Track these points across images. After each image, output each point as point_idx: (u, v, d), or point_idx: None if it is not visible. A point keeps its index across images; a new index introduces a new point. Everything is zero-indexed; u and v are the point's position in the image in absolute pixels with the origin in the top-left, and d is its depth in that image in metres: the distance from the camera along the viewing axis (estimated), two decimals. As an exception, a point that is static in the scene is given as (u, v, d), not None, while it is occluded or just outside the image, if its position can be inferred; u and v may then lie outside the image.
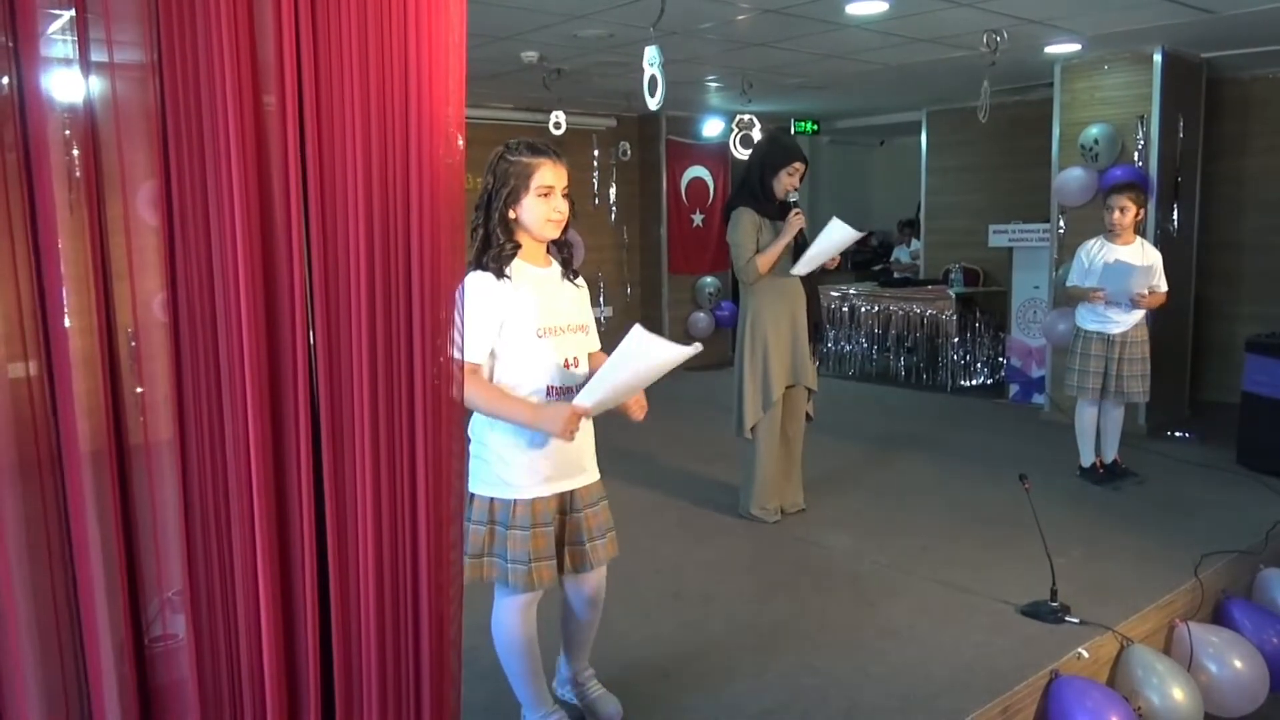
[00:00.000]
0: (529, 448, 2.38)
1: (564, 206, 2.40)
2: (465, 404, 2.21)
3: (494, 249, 2.34)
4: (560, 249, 2.51)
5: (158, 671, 1.62)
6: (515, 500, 2.38)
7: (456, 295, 2.20)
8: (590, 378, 2.35)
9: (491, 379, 2.39)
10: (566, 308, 2.48)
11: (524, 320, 2.36)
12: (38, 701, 1.46)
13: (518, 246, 2.38)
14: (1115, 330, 4.86)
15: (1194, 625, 3.52)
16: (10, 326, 1.43)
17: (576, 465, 2.48)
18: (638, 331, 2.24)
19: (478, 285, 2.32)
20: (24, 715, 1.44)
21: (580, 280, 2.57)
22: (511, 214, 2.36)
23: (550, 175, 2.36)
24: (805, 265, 4.23)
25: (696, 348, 2.30)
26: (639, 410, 2.46)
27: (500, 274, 2.34)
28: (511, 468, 2.38)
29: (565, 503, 2.48)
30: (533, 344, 2.37)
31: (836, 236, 4.13)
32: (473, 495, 2.41)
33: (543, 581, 2.40)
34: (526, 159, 2.35)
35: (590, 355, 2.51)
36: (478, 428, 2.42)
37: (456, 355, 2.21)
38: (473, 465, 2.40)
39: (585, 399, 2.31)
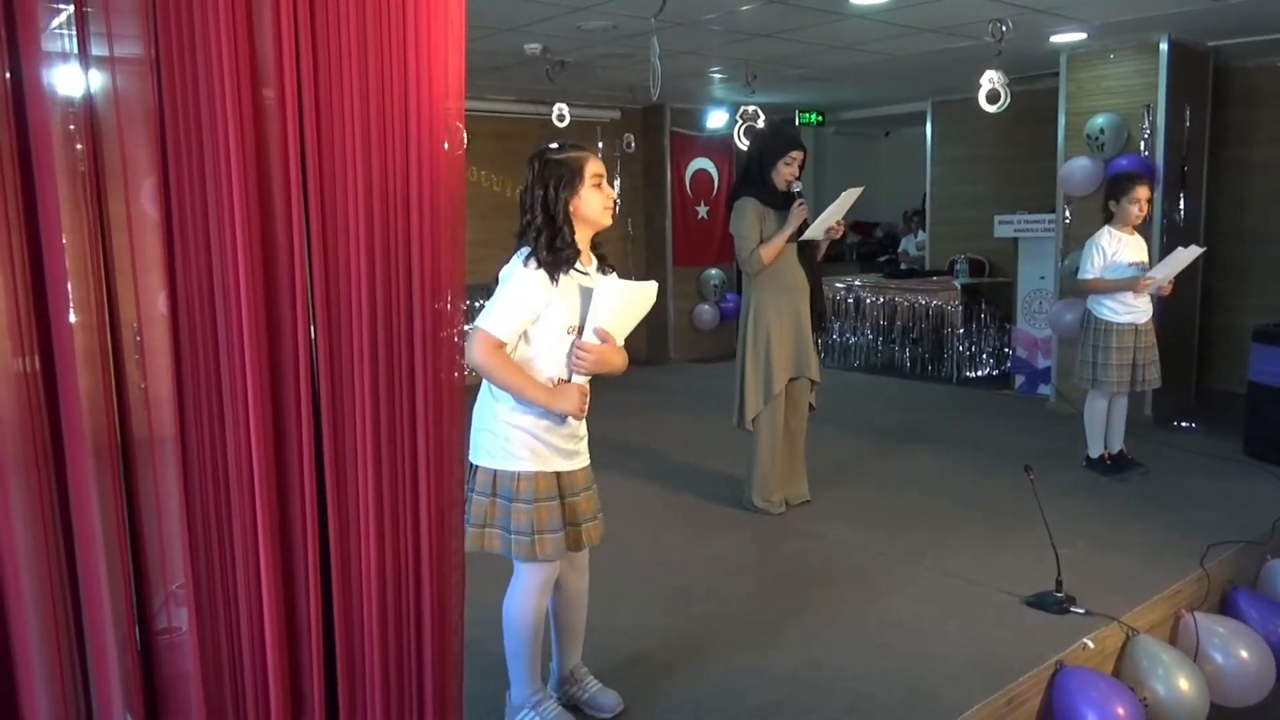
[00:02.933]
0: (533, 425, 2.45)
1: (614, 193, 2.54)
2: (484, 371, 2.36)
3: (561, 249, 2.41)
4: (596, 248, 2.60)
5: (162, 664, 1.63)
6: (518, 473, 2.45)
7: (501, 276, 2.34)
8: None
9: (513, 354, 2.46)
10: None
11: (558, 318, 2.44)
12: (43, 693, 1.47)
13: (578, 252, 2.46)
14: (1143, 320, 4.85)
15: (1200, 615, 3.52)
16: (12, 322, 1.43)
17: (572, 449, 2.54)
18: (604, 283, 2.39)
19: (530, 281, 2.39)
20: (30, 707, 1.44)
21: (613, 274, 2.62)
22: (571, 208, 2.44)
23: (597, 165, 2.48)
24: (817, 229, 4.27)
25: (652, 284, 2.45)
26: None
27: (554, 279, 2.40)
28: (514, 442, 2.45)
29: (563, 485, 2.53)
30: (560, 338, 2.46)
31: (845, 199, 4.22)
32: (475, 466, 2.48)
33: (545, 552, 2.46)
34: (573, 154, 2.46)
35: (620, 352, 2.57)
36: (484, 400, 2.50)
37: (483, 327, 2.32)
38: (477, 437, 2.48)
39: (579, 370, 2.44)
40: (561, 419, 2.47)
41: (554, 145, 2.49)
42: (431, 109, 1.63)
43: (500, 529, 2.46)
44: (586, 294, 2.42)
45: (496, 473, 2.46)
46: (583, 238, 2.50)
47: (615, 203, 2.59)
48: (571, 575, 2.69)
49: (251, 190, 1.52)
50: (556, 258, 2.40)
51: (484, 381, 2.47)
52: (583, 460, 2.59)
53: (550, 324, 2.43)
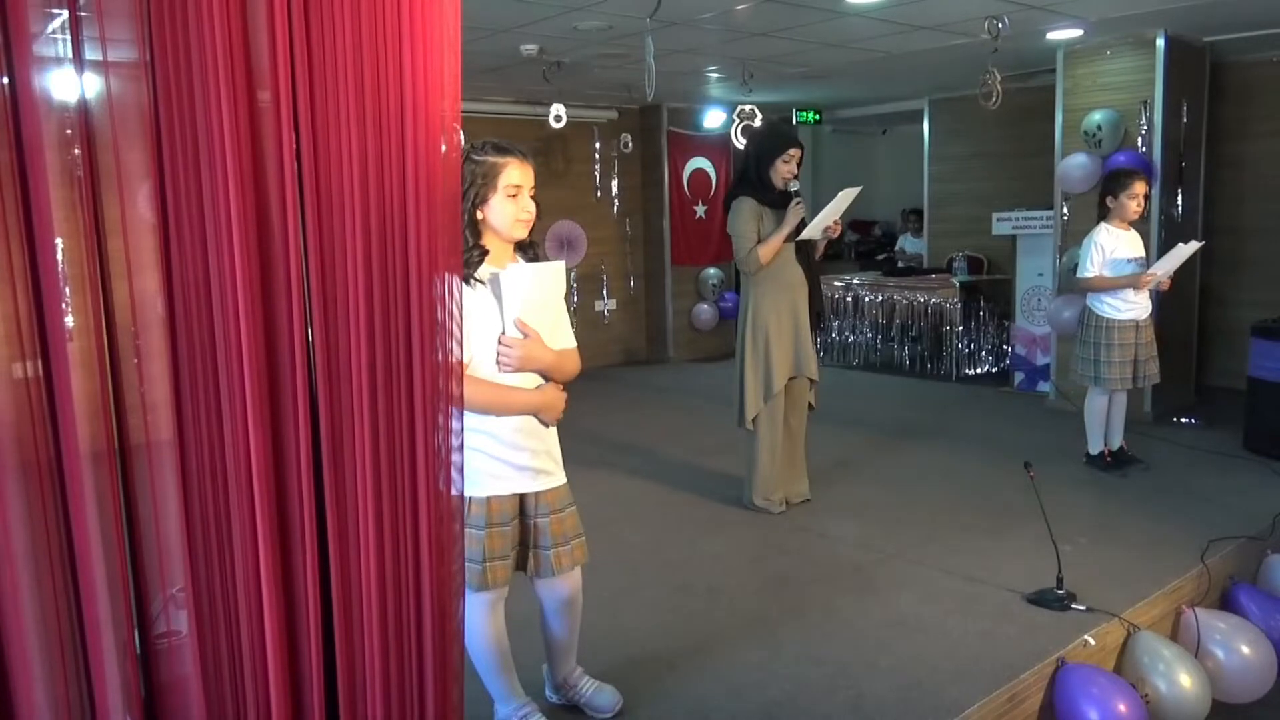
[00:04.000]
0: (486, 447, 2.37)
1: (532, 207, 2.39)
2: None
3: (462, 254, 2.31)
4: (526, 250, 2.49)
5: (161, 668, 1.63)
6: (470, 498, 2.37)
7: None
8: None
9: None
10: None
11: (488, 326, 2.35)
12: (43, 700, 1.47)
13: (485, 252, 2.36)
14: (1143, 315, 4.85)
15: (1201, 611, 3.52)
16: (9, 327, 1.43)
17: (535, 468, 2.45)
18: (510, 270, 2.33)
19: None
20: (29, 713, 1.44)
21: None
22: (479, 215, 2.35)
23: (518, 174, 2.34)
24: (815, 228, 4.26)
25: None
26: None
27: (468, 279, 2.32)
28: (467, 465, 2.33)
29: (525, 505, 2.46)
30: (495, 349, 2.37)
31: (843, 199, 4.21)
32: None
33: (497, 581, 2.40)
34: (493, 158, 2.33)
35: (560, 353, 2.47)
36: None
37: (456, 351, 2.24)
38: None
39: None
40: (538, 426, 2.41)
41: (480, 142, 2.37)
42: (428, 111, 1.63)
43: None
44: (495, 282, 2.33)
45: None
46: (495, 245, 2.39)
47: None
48: (558, 599, 2.60)
49: (247, 193, 1.52)
50: (463, 260, 2.30)
51: None
52: (554, 480, 2.48)
53: (483, 337, 2.34)
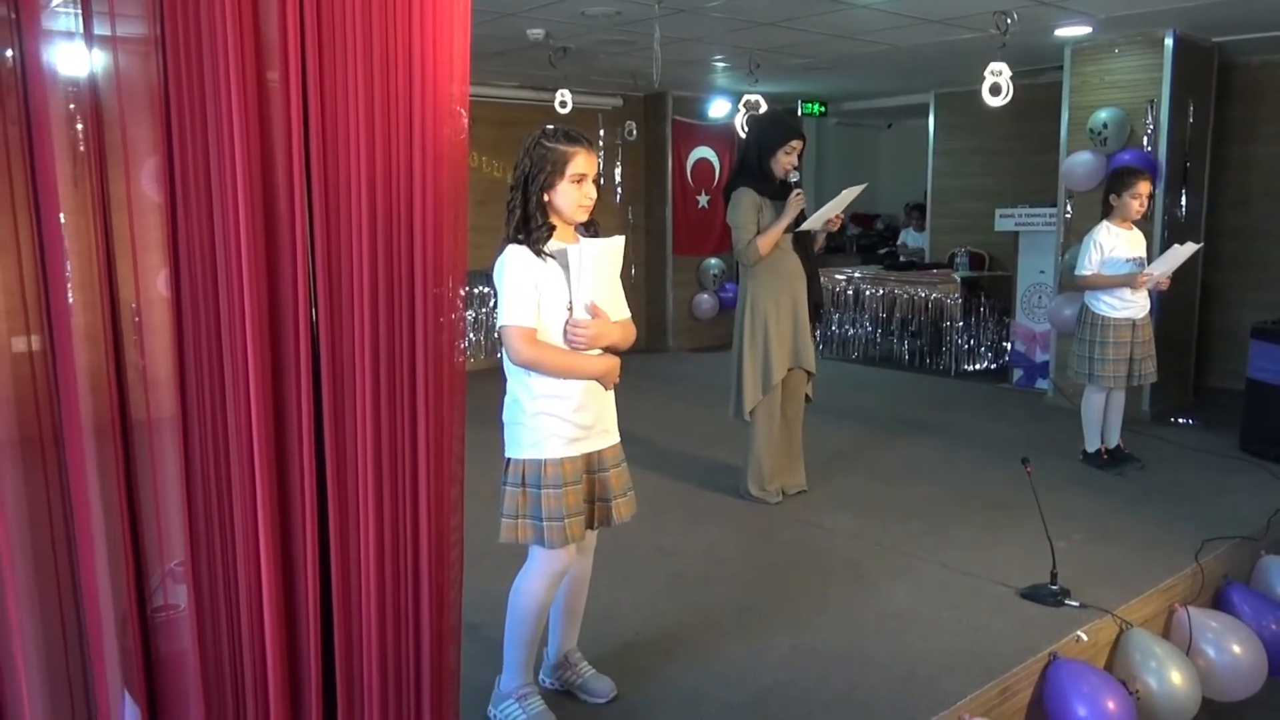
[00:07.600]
0: (559, 411, 2.50)
1: (593, 193, 2.55)
2: (534, 364, 2.44)
3: (533, 230, 2.48)
4: (588, 229, 2.65)
5: (160, 641, 1.64)
6: (545, 460, 2.50)
7: (497, 267, 2.42)
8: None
9: None
10: None
11: (557, 296, 2.49)
12: (39, 671, 1.48)
13: (552, 229, 2.51)
14: (1140, 314, 4.85)
15: (1193, 610, 3.53)
16: (13, 301, 1.44)
17: (600, 428, 2.60)
18: (576, 249, 2.44)
19: (519, 257, 2.46)
20: (24, 686, 1.45)
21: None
22: (546, 197, 2.50)
23: (583, 163, 2.50)
24: (815, 221, 4.27)
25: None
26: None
27: (539, 253, 2.47)
28: (541, 430, 2.50)
29: (590, 463, 2.60)
30: (563, 318, 2.50)
31: (845, 196, 4.22)
32: (508, 460, 2.54)
33: (574, 536, 2.52)
34: (563, 146, 2.48)
35: (623, 326, 2.62)
36: (510, 396, 2.55)
37: (507, 324, 2.39)
38: (508, 431, 2.55)
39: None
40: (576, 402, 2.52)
41: (552, 129, 2.52)
42: (436, 93, 1.63)
43: (532, 518, 2.50)
44: (563, 255, 2.47)
45: (525, 462, 2.50)
46: (559, 225, 2.54)
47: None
48: (578, 557, 2.71)
49: (254, 172, 1.52)
50: (529, 238, 2.47)
51: (509, 382, 2.54)
52: (613, 438, 2.64)
53: (551, 305, 2.48)
